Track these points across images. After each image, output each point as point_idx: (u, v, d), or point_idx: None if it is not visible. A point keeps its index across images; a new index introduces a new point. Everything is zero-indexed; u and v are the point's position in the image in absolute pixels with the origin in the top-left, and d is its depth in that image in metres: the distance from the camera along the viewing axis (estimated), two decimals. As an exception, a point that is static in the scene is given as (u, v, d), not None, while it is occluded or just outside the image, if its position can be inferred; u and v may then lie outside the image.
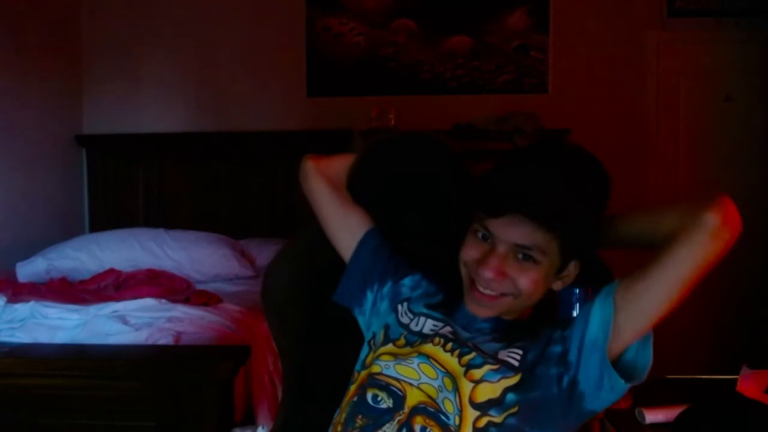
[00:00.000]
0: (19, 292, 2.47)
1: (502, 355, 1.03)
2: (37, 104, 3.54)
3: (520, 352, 1.03)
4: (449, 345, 1.05)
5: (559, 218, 1.01)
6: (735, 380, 1.91)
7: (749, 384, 1.87)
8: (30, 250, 3.15)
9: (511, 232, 1.01)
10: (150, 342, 2.06)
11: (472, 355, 1.03)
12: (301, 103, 3.93)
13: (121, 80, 3.96)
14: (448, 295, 1.16)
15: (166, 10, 3.94)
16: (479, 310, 1.07)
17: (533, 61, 3.88)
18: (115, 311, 2.22)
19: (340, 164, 1.31)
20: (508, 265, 1.02)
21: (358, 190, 1.27)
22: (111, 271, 2.84)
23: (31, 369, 1.92)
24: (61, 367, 1.91)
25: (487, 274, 1.02)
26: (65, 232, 3.53)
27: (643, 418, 1.75)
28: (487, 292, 1.04)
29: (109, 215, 3.88)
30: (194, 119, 3.96)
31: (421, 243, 1.28)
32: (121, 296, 2.42)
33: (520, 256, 1.02)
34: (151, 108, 3.97)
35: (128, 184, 3.90)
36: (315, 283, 1.29)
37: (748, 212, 0.99)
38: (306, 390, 1.31)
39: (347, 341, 1.20)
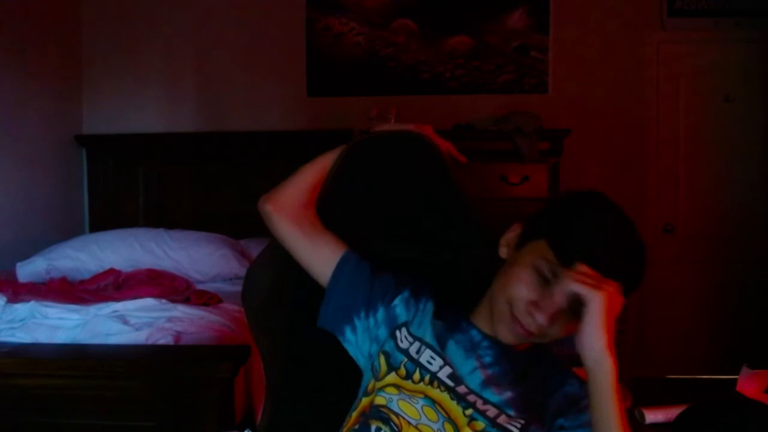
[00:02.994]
0: (19, 292, 2.46)
1: (502, 420, 1.04)
2: (37, 104, 3.54)
3: (522, 422, 1.04)
4: (451, 395, 1.06)
5: (638, 284, 1.03)
6: (735, 380, 1.91)
7: (749, 384, 1.87)
8: (30, 250, 3.14)
9: None
10: (150, 342, 2.06)
11: (471, 411, 1.04)
12: (301, 103, 3.93)
13: (121, 80, 3.96)
14: (439, 302, 1.15)
15: (166, 10, 3.94)
16: (513, 340, 1.07)
17: (533, 61, 3.88)
18: (115, 311, 2.22)
19: (298, 185, 1.28)
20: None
21: (337, 197, 1.27)
22: (111, 271, 2.84)
23: (31, 369, 1.91)
24: (61, 367, 1.91)
25: (541, 320, 1.02)
26: (65, 232, 3.53)
27: (643, 418, 1.75)
28: (531, 329, 1.04)
29: (109, 215, 3.87)
30: (194, 119, 3.96)
31: (406, 245, 1.28)
32: (121, 296, 2.42)
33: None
34: (151, 108, 3.97)
35: (128, 184, 3.90)
36: (295, 285, 1.28)
37: (748, 212, 0.99)
38: (288, 392, 1.31)
39: (328, 343, 1.20)
